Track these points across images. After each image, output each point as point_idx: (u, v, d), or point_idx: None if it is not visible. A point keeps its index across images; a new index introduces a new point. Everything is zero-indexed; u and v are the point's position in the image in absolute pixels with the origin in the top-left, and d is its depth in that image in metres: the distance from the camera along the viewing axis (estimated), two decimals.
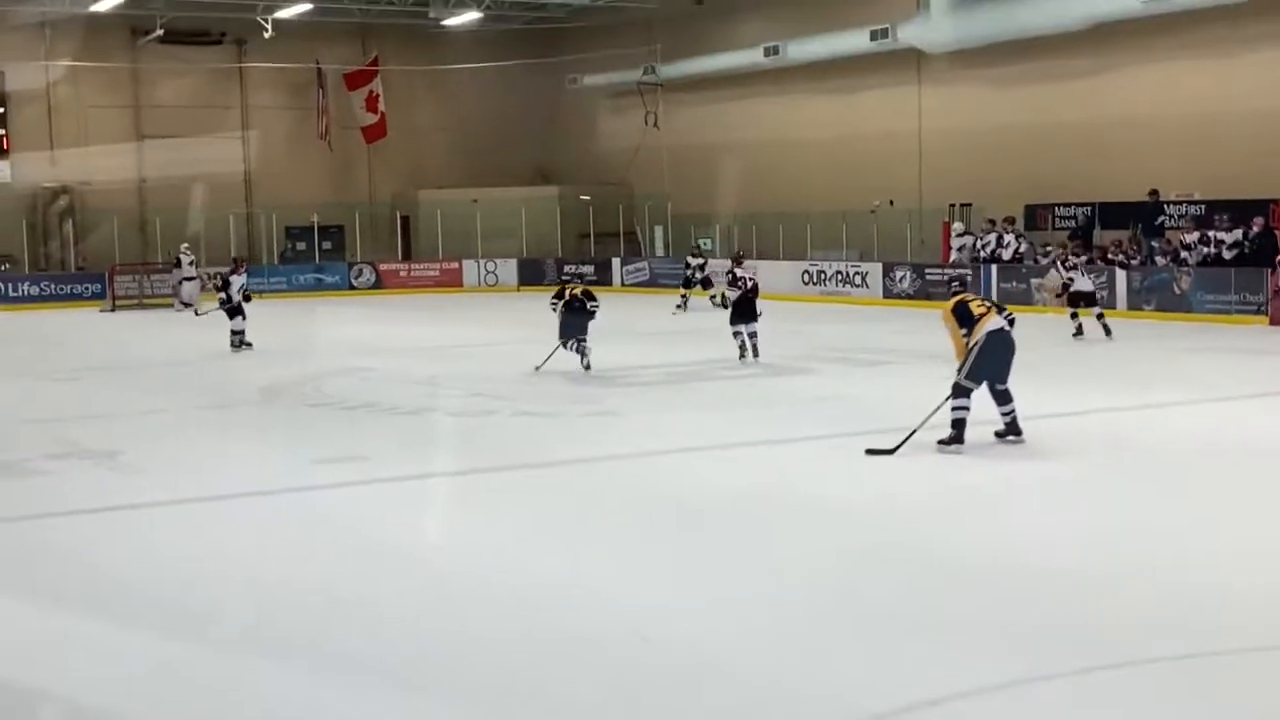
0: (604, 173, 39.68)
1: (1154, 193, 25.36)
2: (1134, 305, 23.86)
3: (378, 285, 36.62)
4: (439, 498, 10.04)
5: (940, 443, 10.82)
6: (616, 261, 36.50)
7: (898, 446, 10.79)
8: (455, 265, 37.27)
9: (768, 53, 32.93)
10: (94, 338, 25.73)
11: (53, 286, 34.32)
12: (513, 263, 37.19)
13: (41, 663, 6.25)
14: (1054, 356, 17.93)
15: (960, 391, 10.82)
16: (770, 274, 31.22)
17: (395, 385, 16.42)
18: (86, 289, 34.35)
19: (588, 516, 9.16)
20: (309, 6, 35.09)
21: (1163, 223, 25.15)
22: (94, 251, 36.17)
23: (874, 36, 30.18)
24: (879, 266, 29.35)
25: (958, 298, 11.18)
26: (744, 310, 18.13)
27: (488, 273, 37.32)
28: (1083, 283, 20.55)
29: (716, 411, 13.97)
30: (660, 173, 37.29)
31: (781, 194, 33.36)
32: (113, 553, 8.43)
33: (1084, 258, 22.14)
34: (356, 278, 36.71)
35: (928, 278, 28.03)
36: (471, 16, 36.89)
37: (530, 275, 36.88)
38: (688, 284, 28.79)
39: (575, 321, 17.35)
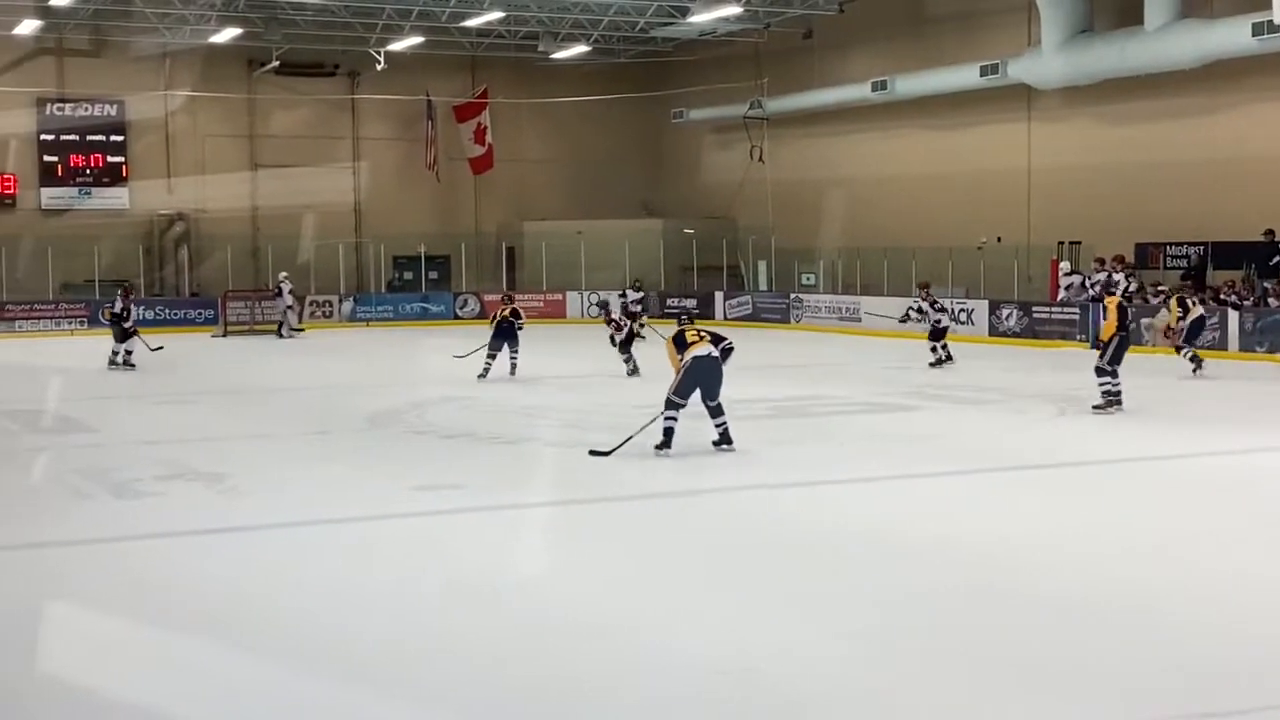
0: (708, 206, 39.73)
1: (1269, 233, 24.78)
2: (1246, 347, 23.31)
3: (482, 315, 36.86)
4: (536, 529, 10.03)
5: (655, 447, 12.86)
6: (719, 295, 36.48)
7: (616, 449, 12.61)
8: (559, 297, 37.46)
9: (875, 88, 32.78)
10: (206, 362, 26.21)
11: (167, 311, 35.02)
12: (614, 294, 37.23)
13: (147, 683, 6.31)
14: (1171, 396, 17.58)
15: (670, 405, 13.08)
16: (875, 309, 31.05)
17: (495, 415, 16.50)
18: (200, 314, 35.02)
19: (691, 551, 9.08)
20: (421, 40, 35.61)
21: (1278, 263, 24.57)
22: (207, 278, 36.92)
23: (984, 72, 29.92)
24: (985, 304, 29.01)
25: (679, 329, 13.42)
26: None
27: (590, 304, 37.43)
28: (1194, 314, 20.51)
29: (821, 446, 13.87)
30: (764, 206, 37.24)
31: (886, 229, 33.13)
32: (216, 573, 8.51)
33: (1197, 297, 21.78)
34: (461, 308, 37.04)
35: (1035, 315, 27.63)
36: (579, 50, 37.20)
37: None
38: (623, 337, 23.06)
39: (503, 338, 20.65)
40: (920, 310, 22.78)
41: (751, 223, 38.04)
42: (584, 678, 6.36)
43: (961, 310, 29.33)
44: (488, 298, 37.04)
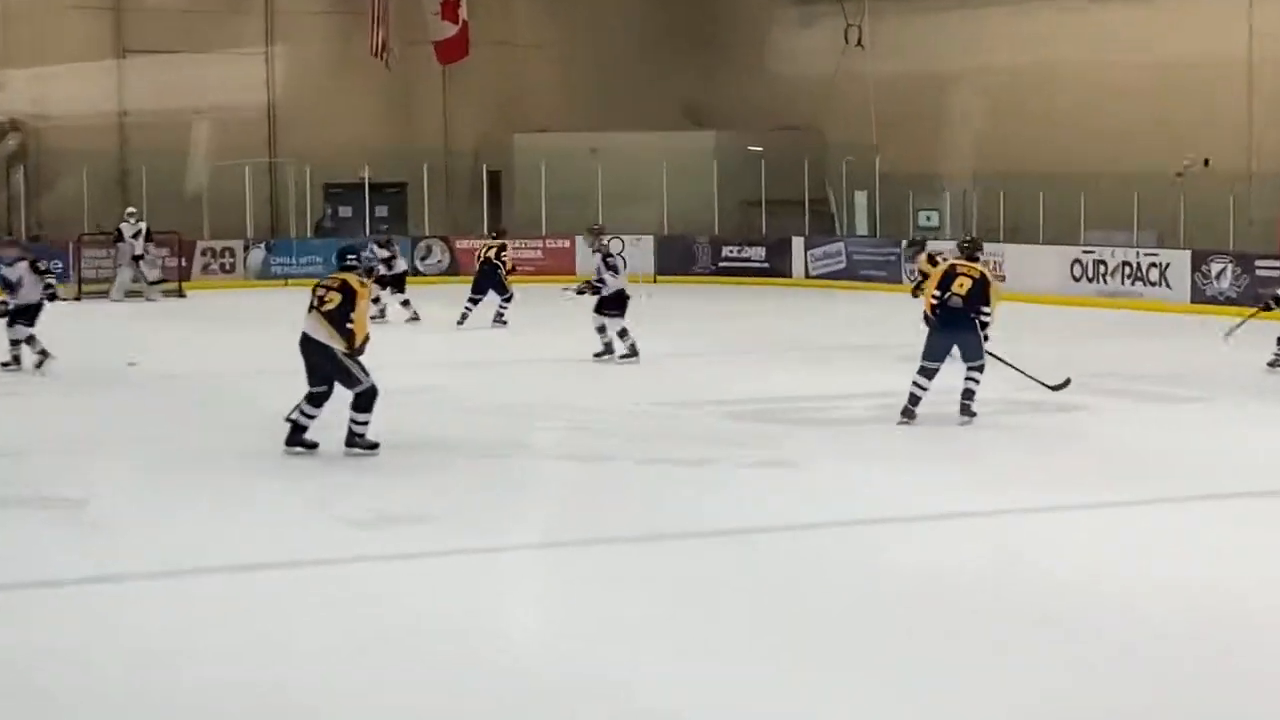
0: (782, 113, 39.66)
1: None
2: None
3: (453, 270, 36.90)
4: (531, 583, 10.06)
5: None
6: (798, 243, 36.41)
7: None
8: (565, 244, 37.43)
9: None
10: (51, 336, 26.23)
11: None
12: (648, 241, 37.25)
13: None
14: None
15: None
16: (1024, 263, 30.95)
17: (471, 415, 16.55)
18: (42, 267, 35.06)
19: (749, 611, 9.12)
20: None
21: None
22: (54, 214, 37.03)
23: None
24: (1186, 256, 28.87)
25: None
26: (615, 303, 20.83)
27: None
28: None
29: (934, 464, 13.86)
30: (865, 114, 37.16)
31: (1043, 148, 33.01)
32: (67, 643, 8.54)
33: None
34: (423, 259, 37.08)
35: (1258, 273, 27.53)
36: None
37: (673, 260, 36.93)
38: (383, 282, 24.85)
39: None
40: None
41: (846, 138, 37.94)
42: None
43: (1152, 265, 29.21)
44: (461, 244, 37.07)
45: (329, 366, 13.56)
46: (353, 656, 8.28)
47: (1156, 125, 31.33)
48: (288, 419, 13.63)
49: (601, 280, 21.00)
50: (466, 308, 24.36)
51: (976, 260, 15.61)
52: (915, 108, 35.84)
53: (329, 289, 13.70)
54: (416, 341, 22.64)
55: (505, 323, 24.92)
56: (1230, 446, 14.77)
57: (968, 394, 15.27)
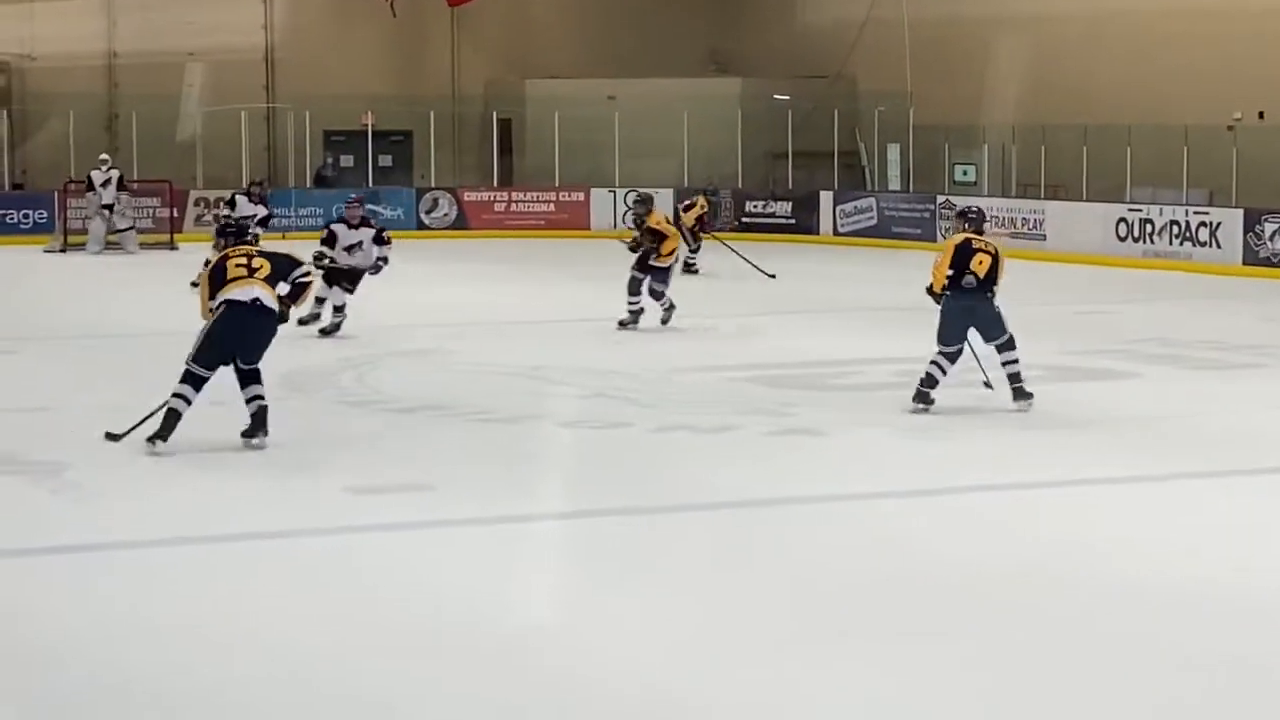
0: (811, 60, 39.57)
1: None
2: None
3: (460, 224, 36.95)
4: (539, 557, 10.06)
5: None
6: (827, 198, 36.36)
7: (130, 430, 12.39)
8: (579, 196, 37.46)
9: None
10: (35, 290, 26.33)
11: None
12: (667, 195, 37.16)
13: None
14: None
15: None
16: (1066, 221, 30.88)
17: (479, 378, 16.60)
18: (25, 217, 35.18)
19: (771, 591, 9.11)
20: None
21: None
22: (38, 160, 37.07)
23: None
24: (1238, 215, 28.77)
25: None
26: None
27: (629, 209, 37.39)
28: None
29: (964, 435, 13.83)
30: (898, 61, 37.04)
31: (1088, 99, 32.88)
32: (44, 620, 8.55)
33: None
34: (429, 211, 37.10)
35: None
36: None
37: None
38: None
39: None
40: None
41: (878, 86, 37.85)
42: None
43: (1202, 224, 29.10)
44: (469, 197, 37.10)
45: (267, 338, 12.91)
46: (350, 626, 8.31)
47: (1208, 75, 31.19)
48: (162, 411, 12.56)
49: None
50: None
51: (983, 233, 15.16)
52: (952, 55, 35.76)
53: (255, 255, 13.06)
54: (419, 299, 22.62)
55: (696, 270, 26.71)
56: (1270, 414, 14.74)
57: (1014, 377, 14.59)
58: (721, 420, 14.12)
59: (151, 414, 12.46)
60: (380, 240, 19.43)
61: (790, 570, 9.57)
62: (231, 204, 26.62)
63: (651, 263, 20.14)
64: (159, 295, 24.30)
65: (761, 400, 15.25)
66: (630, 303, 20.15)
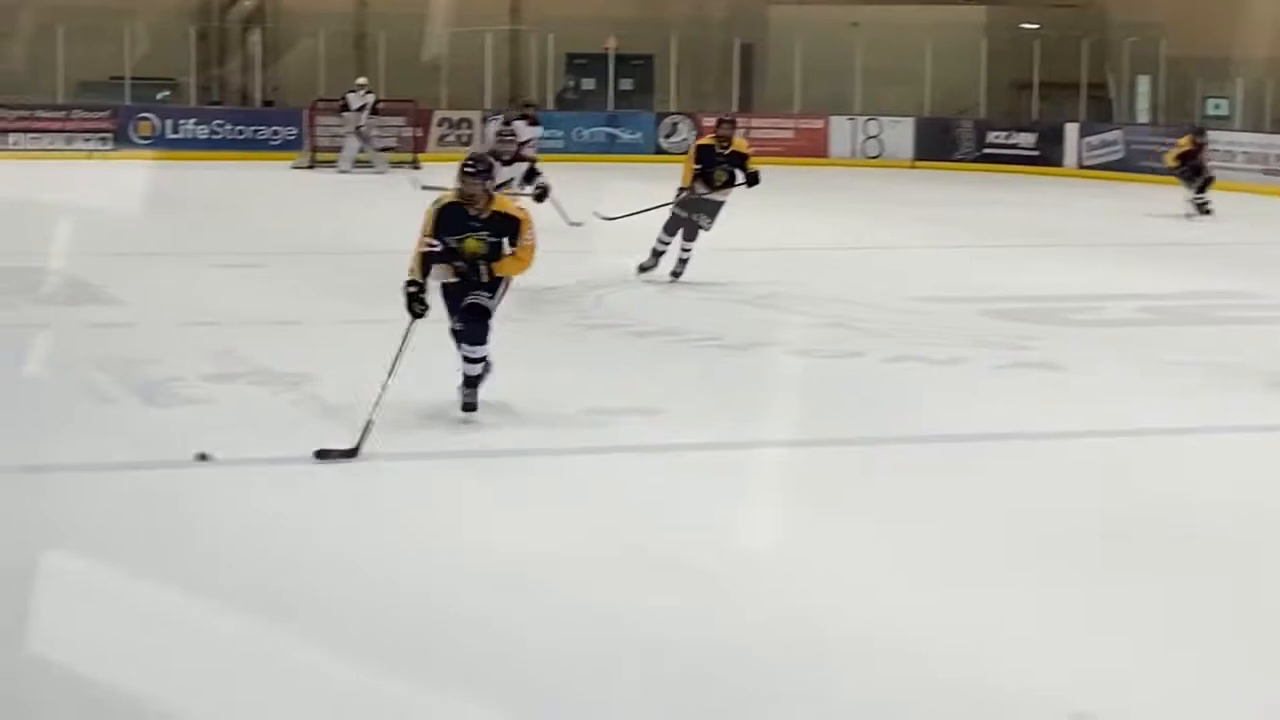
0: None
1: None
2: None
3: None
4: (762, 484, 10.06)
5: None
6: (1072, 130, 35.88)
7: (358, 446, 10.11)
8: (819, 124, 37.35)
9: None
10: (283, 206, 26.86)
11: (228, 128, 35.94)
12: (908, 124, 36.97)
13: (160, 669, 6.59)
14: None
15: None
16: None
17: (712, 304, 16.71)
18: (275, 134, 35.86)
19: (998, 529, 9.07)
20: None
21: None
22: (289, 80, 37.67)
23: None
24: None
25: None
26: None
27: (869, 137, 37.24)
28: None
29: (1208, 375, 13.55)
30: None
31: None
32: (276, 521, 8.81)
33: None
34: (667, 136, 37.17)
35: None
36: None
37: (933, 144, 36.67)
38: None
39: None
40: None
41: (1129, 17, 37.21)
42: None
43: None
44: (708, 122, 37.07)
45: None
46: (568, 547, 8.43)
47: None
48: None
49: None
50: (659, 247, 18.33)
51: None
52: None
53: None
54: (656, 223, 22.70)
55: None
56: None
57: None
58: (955, 352, 14.05)
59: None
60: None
61: (1013, 506, 9.48)
62: (509, 129, 25.09)
63: (706, 195, 17.54)
64: (404, 212, 24.61)
65: (998, 333, 15.14)
66: (661, 239, 17.82)
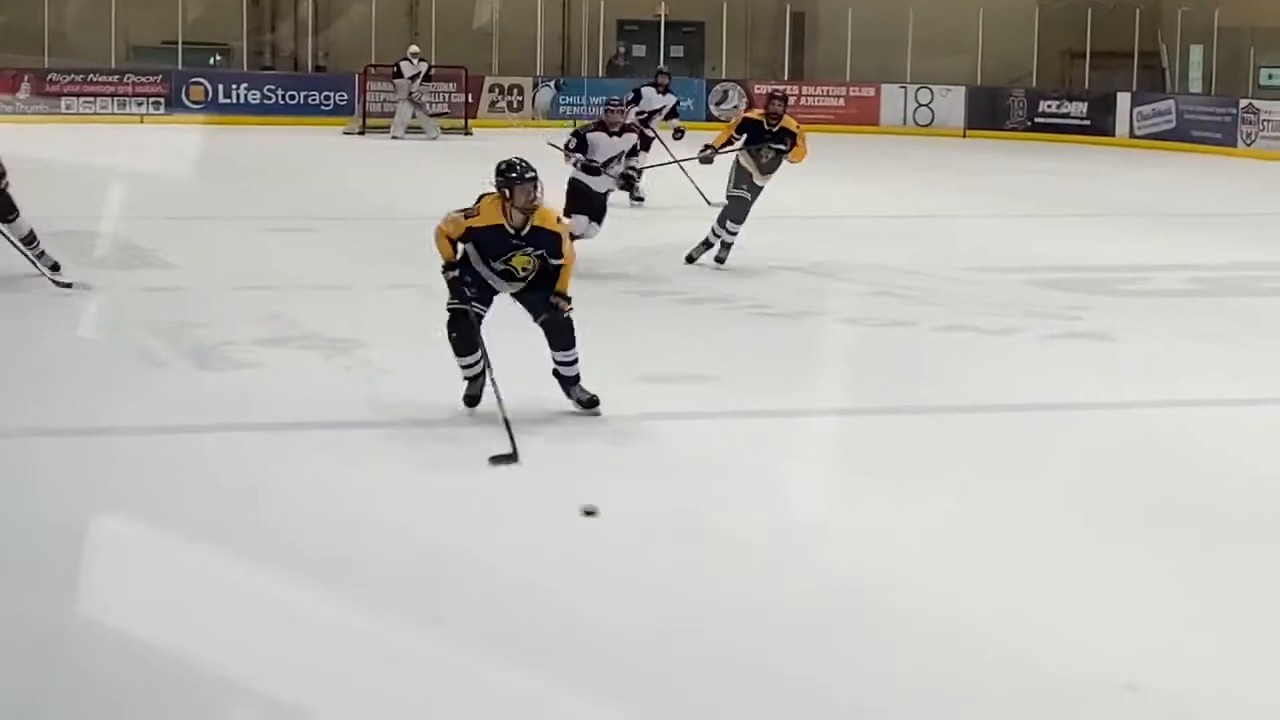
0: None
1: None
2: None
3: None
4: (812, 452, 10.10)
5: None
6: (1124, 99, 35.71)
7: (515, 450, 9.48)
8: (870, 92, 37.26)
9: None
10: (334, 171, 26.92)
11: (280, 93, 36.01)
12: (960, 92, 36.86)
13: (212, 631, 6.65)
14: None
15: None
16: None
17: (763, 272, 16.69)
18: (327, 99, 35.95)
19: (1049, 501, 9.03)
20: None
21: None
22: (340, 45, 37.72)
23: None
24: None
25: None
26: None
27: (920, 105, 37.14)
28: None
29: (1258, 347, 13.56)
30: None
31: None
32: (332, 486, 8.81)
33: None
34: (718, 103, 37.10)
35: None
36: None
37: (984, 113, 36.59)
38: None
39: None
40: None
41: None
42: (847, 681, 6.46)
43: None
44: (760, 89, 37.00)
45: None
46: (618, 513, 8.40)
47: None
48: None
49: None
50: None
51: None
52: None
53: None
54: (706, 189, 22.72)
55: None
56: None
57: None
58: (1007, 322, 14.03)
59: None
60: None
61: (1068, 475, 9.47)
62: (636, 98, 23.18)
63: (757, 181, 16.53)
64: (456, 179, 24.65)
65: (1049, 303, 15.09)
66: (731, 230, 16.65)
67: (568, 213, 14.98)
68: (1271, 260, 18.10)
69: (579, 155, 16.06)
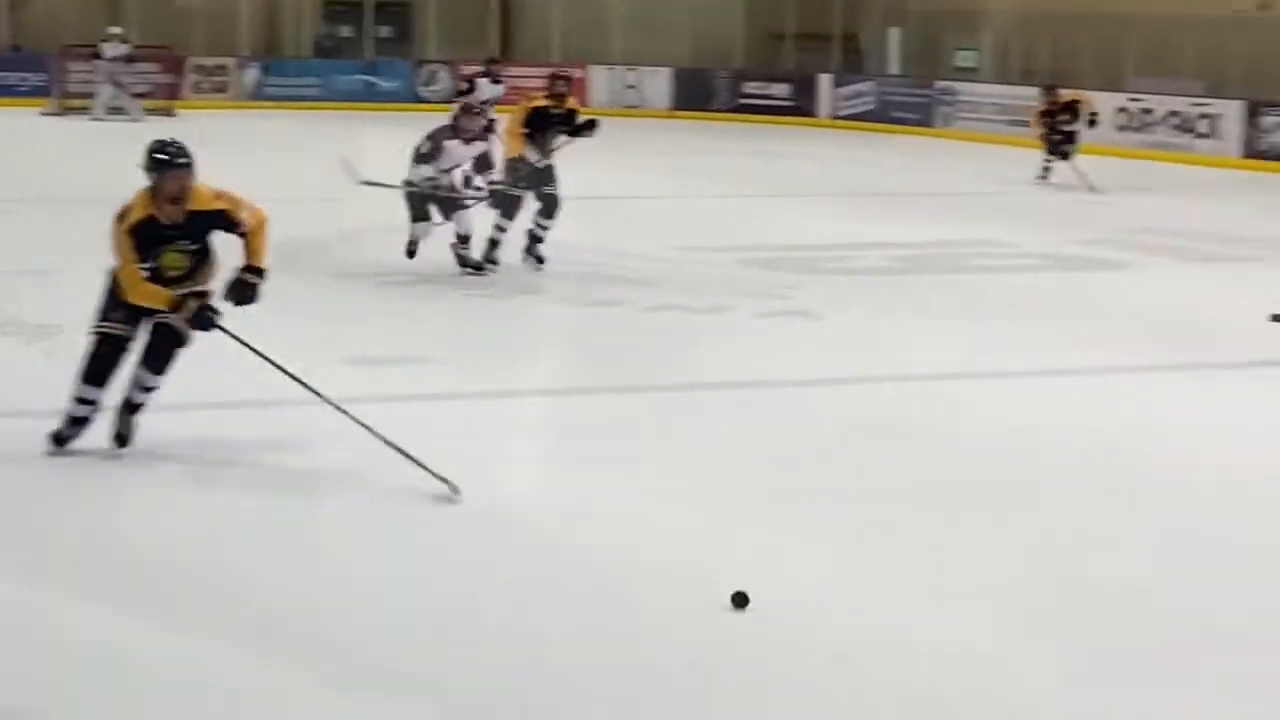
0: None
1: None
2: None
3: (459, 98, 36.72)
4: (524, 431, 10.10)
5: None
6: (826, 81, 36.18)
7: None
8: (578, 73, 37.18)
9: None
10: (32, 154, 26.30)
11: None
12: (665, 74, 37.06)
13: None
14: None
15: None
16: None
17: (474, 251, 16.51)
18: (23, 80, 35.11)
19: (759, 470, 9.12)
20: None
21: None
22: (37, 22, 36.86)
23: None
24: (1238, 106, 28.64)
25: None
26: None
27: (626, 87, 37.26)
28: None
29: (962, 321, 13.80)
30: None
31: None
32: (35, 491, 8.68)
33: None
34: (426, 84, 36.91)
35: None
36: None
37: (691, 94, 36.78)
38: None
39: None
40: None
41: None
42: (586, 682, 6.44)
43: (1202, 116, 28.96)
44: (467, 70, 36.85)
45: None
46: (337, 485, 8.48)
47: None
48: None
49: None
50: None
51: None
52: None
53: None
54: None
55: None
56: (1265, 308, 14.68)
57: None
58: (715, 301, 14.12)
59: None
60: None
61: (775, 448, 9.57)
62: (470, 87, 23.58)
63: (540, 164, 15.56)
64: None
65: (756, 282, 15.23)
66: (500, 227, 15.44)
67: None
68: (973, 238, 18.46)
69: (425, 169, 14.76)
